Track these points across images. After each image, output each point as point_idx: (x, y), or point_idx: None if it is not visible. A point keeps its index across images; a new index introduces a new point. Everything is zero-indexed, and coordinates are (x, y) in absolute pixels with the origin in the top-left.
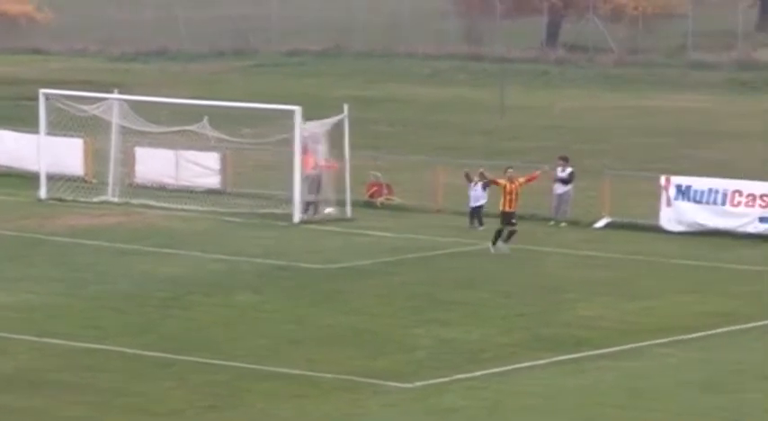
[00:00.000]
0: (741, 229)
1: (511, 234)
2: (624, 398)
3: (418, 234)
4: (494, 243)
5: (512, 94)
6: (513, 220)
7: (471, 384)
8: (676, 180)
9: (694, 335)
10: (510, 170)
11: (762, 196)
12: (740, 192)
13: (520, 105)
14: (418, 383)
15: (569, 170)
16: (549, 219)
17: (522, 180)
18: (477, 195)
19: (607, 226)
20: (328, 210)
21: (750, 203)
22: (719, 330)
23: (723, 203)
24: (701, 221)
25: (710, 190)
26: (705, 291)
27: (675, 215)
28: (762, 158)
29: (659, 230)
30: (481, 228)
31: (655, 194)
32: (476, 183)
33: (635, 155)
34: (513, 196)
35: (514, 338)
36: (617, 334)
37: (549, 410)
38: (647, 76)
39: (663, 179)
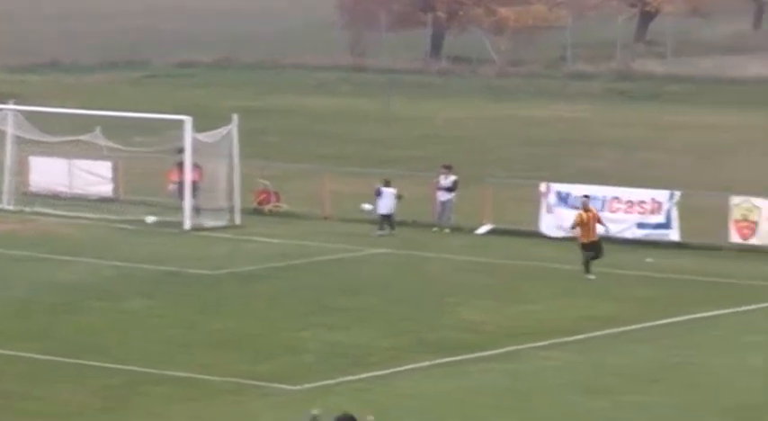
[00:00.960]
0: (619, 235)
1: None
2: (505, 400)
3: (306, 240)
4: (587, 271)
5: (396, 104)
6: (600, 254)
7: (357, 386)
8: (556, 187)
9: (575, 338)
10: (585, 199)
11: (639, 203)
12: (618, 199)
13: (404, 116)
14: (305, 385)
15: (453, 178)
16: (433, 226)
17: (596, 213)
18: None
19: (489, 232)
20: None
21: (628, 210)
22: (600, 333)
23: (602, 210)
24: None
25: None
26: (585, 295)
27: (555, 221)
28: (639, 166)
29: (540, 236)
30: (379, 234)
31: (535, 201)
32: (378, 190)
33: (516, 163)
34: (591, 226)
35: (399, 342)
36: (499, 337)
37: (432, 412)
38: (528, 86)
39: (543, 186)
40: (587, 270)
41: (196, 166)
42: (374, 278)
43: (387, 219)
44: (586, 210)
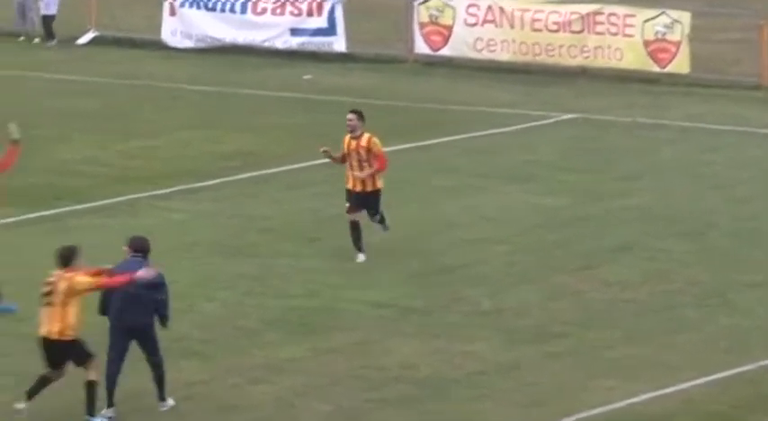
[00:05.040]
0: (267, 44)
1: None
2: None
3: None
4: (356, 248)
5: None
6: (374, 212)
7: None
8: None
9: (207, 184)
10: (352, 116)
11: (293, 2)
12: None
13: None
14: None
15: None
16: (18, 35)
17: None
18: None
19: (93, 41)
20: None
21: (279, 11)
22: (239, 176)
23: (243, 11)
24: (216, 35)
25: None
26: (221, 126)
27: (182, 27)
28: None
29: (162, 47)
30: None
31: (154, 1)
32: None
33: None
34: (357, 163)
35: None
36: (108, 182)
37: (25, 280)
38: None
39: None
40: (356, 245)
41: None
42: None
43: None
44: (354, 135)
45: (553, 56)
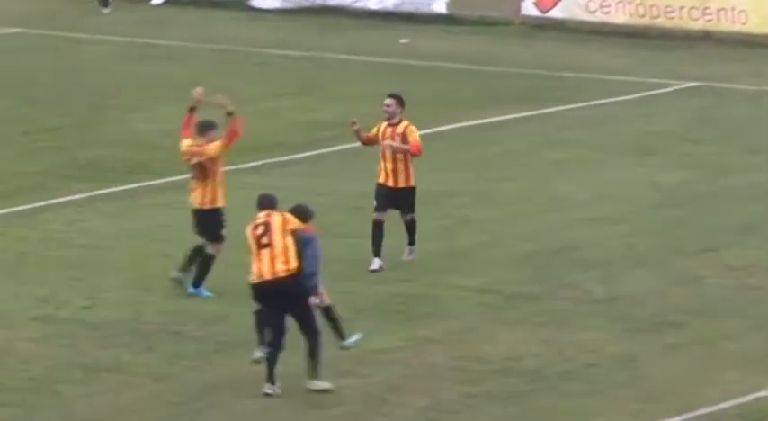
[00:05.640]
0: (360, 5)
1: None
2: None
3: None
4: (374, 252)
5: None
6: (408, 210)
7: None
8: None
9: (296, 157)
10: (390, 102)
11: None
12: None
13: None
14: None
15: None
16: None
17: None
18: None
19: (169, 2)
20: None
21: None
22: (330, 149)
23: None
24: None
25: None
26: (311, 94)
27: None
28: None
29: (245, 8)
30: (106, 11)
31: None
32: None
33: None
34: (391, 154)
35: (43, 163)
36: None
37: (94, 262)
38: None
39: None
40: (375, 249)
41: None
42: (6, 72)
43: None
44: (392, 122)
45: (673, 18)
